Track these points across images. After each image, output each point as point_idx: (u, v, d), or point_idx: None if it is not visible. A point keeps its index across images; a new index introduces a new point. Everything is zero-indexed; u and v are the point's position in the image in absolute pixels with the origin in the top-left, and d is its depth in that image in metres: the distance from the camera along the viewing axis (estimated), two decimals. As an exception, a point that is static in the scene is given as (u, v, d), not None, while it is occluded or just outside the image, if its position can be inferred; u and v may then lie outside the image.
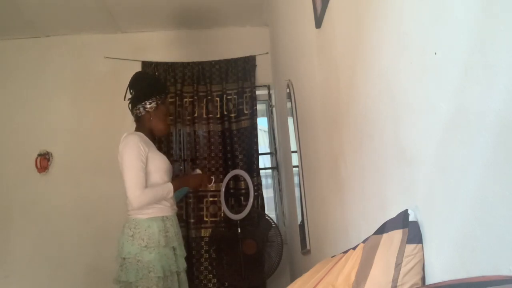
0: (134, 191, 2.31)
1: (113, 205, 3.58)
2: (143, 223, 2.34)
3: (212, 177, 2.83)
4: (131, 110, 2.57)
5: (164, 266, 2.31)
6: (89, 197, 3.70)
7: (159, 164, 2.45)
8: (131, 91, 2.58)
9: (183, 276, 2.50)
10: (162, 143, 3.69)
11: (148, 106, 2.52)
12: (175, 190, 2.47)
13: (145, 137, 2.49)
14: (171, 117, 3.76)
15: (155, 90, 2.56)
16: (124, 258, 2.33)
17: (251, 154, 3.73)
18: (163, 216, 2.40)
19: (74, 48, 3.98)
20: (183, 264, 2.48)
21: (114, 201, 3.55)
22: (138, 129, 2.55)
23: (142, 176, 2.35)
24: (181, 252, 2.49)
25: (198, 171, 2.77)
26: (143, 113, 2.53)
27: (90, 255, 3.59)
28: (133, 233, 2.33)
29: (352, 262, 1.04)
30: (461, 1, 0.72)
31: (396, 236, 0.91)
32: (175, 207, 2.54)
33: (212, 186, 3.69)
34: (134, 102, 2.55)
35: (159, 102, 2.54)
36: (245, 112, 3.81)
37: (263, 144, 4.19)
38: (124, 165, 2.36)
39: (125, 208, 2.45)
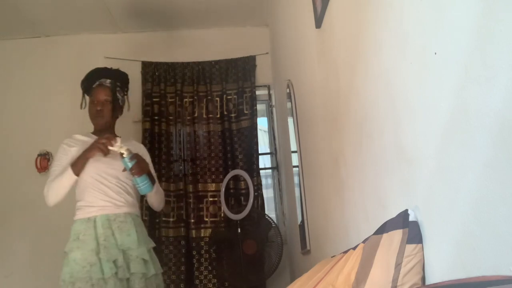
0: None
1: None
2: (72, 227, 2.32)
3: (111, 138, 2.29)
4: None
5: (73, 272, 2.15)
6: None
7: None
8: None
9: (140, 283, 2.21)
10: (162, 143, 3.69)
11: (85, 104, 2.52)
12: (73, 166, 2.26)
13: (79, 136, 2.45)
14: (170, 117, 3.76)
15: (82, 85, 2.55)
16: None
17: (251, 154, 3.73)
18: (88, 218, 2.27)
19: (74, 48, 3.97)
20: (134, 268, 2.21)
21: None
22: None
23: (53, 171, 2.33)
24: (108, 256, 2.17)
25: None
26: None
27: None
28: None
29: (352, 262, 1.04)
30: (461, 1, 0.72)
31: (396, 236, 0.91)
32: (112, 207, 2.30)
33: (212, 186, 3.69)
34: None
35: (85, 96, 2.55)
36: (245, 112, 3.80)
37: (263, 144, 4.19)
38: None
39: None
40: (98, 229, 2.24)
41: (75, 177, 2.27)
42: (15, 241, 3.65)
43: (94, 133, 2.47)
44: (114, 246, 2.21)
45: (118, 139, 2.28)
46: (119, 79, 2.59)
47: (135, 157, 2.27)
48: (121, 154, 2.24)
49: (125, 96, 2.58)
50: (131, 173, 2.27)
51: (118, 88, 2.52)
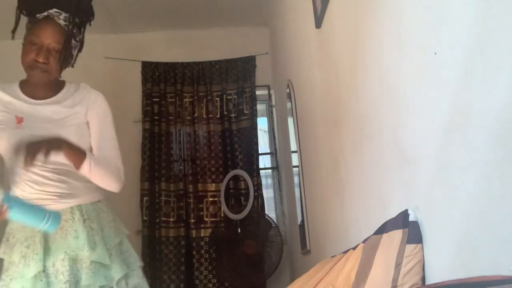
0: None
1: (115, 204, 3.58)
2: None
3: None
4: None
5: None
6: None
7: None
8: None
9: None
10: (162, 143, 3.69)
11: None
12: None
13: (15, 88, 1.75)
14: (170, 117, 3.75)
15: (20, 6, 1.74)
16: None
17: (251, 154, 3.73)
18: None
19: (74, 48, 3.97)
20: (88, 280, 1.61)
21: (114, 201, 3.55)
22: None
23: None
24: (26, 271, 1.58)
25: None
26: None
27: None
28: None
29: (352, 262, 1.04)
30: (461, 1, 0.72)
31: (396, 236, 0.91)
32: (53, 203, 1.64)
33: (212, 186, 3.69)
34: None
35: (28, 25, 1.70)
36: (245, 112, 3.81)
37: (263, 144, 4.19)
38: None
39: None
40: (27, 231, 1.63)
41: None
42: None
43: (25, 90, 1.72)
44: (38, 259, 1.59)
45: None
46: (80, 11, 1.74)
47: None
48: None
49: (83, 34, 1.80)
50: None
51: (75, 29, 1.71)
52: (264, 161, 4.09)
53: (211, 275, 3.56)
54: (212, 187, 3.69)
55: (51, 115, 1.70)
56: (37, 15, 1.65)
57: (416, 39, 0.89)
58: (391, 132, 1.06)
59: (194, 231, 3.61)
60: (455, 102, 0.75)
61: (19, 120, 1.65)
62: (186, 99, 3.83)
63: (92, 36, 4.04)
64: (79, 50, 1.81)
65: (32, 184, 1.65)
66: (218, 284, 3.54)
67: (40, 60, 1.62)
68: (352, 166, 1.45)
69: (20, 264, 1.58)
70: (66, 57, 1.69)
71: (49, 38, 1.64)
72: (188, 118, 3.79)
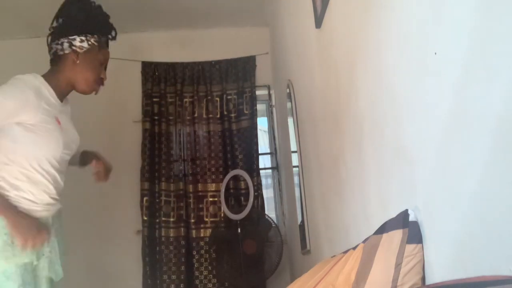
0: None
1: (115, 204, 3.58)
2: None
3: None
4: (49, 46, 1.77)
5: None
6: (91, 198, 3.69)
7: (36, 140, 1.59)
8: (59, 19, 1.76)
9: None
10: (162, 143, 3.69)
11: (78, 43, 1.70)
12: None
13: (47, 85, 1.69)
14: (170, 117, 3.75)
15: (97, 24, 1.80)
16: None
17: (251, 154, 3.73)
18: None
19: (74, 48, 3.96)
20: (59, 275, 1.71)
21: (116, 201, 3.55)
22: (48, 74, 1.76)
23: None
24: (51, 273, 1.66)
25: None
26: (66, 52, 1.71)
27: (92, 256, 3.59)
28: None
29: (352, 262, 1.04)
30: (461, 1, 0.72)
31: (396, 236, 0.91)
32: (55, 205, 1.76)
33: (212, 186, 3.69)
34: (57, 34, 1.73)
35: (95, 44, 1.76)
36: (245, 112, 3.80)
37: (263, 144, 4.19)
38: None
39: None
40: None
41: None
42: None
43: (55, 90, 1.71)
44: (60, 263, 1.67)
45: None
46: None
47: None
48: None
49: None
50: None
51: None
52: (264, 161, 4.09)
53: (211, 275, 3.56)
54: (212, 187, 3.69)
55: (66, 118, 1.80)
56: (109, 36, 1.85)
57: (416, 39, 0.89)
58: (391, 132, 1.06)
59: (194, 231, 3.61)
60: (455, 102, 0.75)
61: (58, 122, 1.70)
62: (186, 99, 3.83)
63: (92, 36, 4.04)
64: None
65: (55, 184, 1.69)
66: (218, 284, 3.54)
67: (105, 79, 1.83)
68: (352, 166, 1.45)
69: (46, 269, 1.60)
70: None
71: (108, 59, 1.86)
72: (188, 118, 3.79)
